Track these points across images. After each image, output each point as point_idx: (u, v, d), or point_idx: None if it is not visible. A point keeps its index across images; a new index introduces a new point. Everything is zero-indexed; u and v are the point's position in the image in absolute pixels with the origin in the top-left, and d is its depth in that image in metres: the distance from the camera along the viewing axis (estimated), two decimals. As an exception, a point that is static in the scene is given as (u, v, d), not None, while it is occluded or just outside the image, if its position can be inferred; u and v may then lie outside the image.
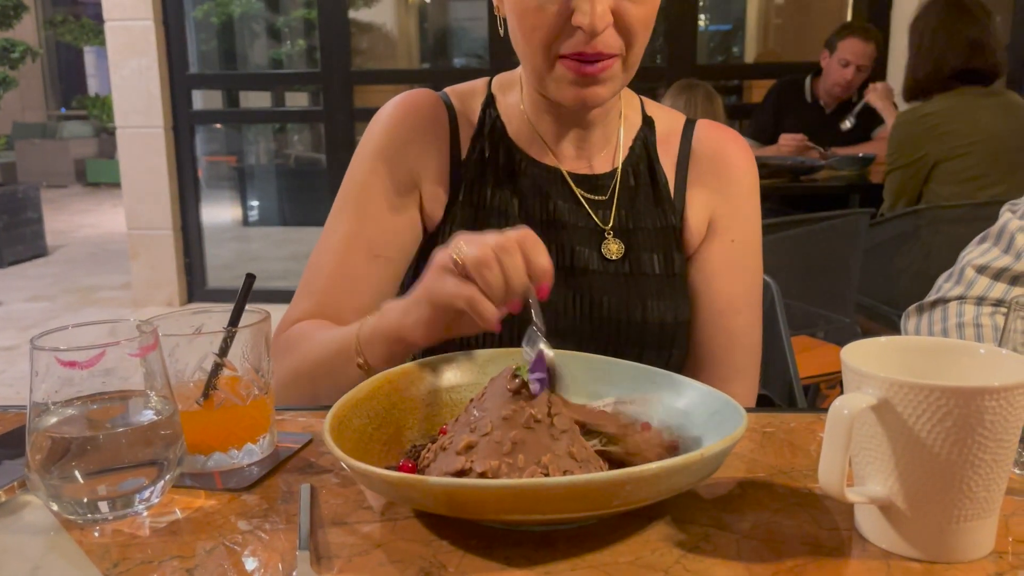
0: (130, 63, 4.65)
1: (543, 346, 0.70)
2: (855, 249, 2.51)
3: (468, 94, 1.08)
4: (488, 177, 1.03)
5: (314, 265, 1.04)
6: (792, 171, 3.24)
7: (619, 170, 1.04)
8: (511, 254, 0.74)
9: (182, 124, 4.80)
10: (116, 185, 6.69)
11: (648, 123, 1.07)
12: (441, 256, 0.78)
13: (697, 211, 1.05)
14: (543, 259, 0.75)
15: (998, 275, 1.04)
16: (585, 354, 0.85)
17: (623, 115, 1.06)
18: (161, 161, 4.75)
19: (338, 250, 1.02)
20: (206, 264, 5.09)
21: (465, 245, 0.76)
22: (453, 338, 0.84)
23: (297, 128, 7.65)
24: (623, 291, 1.00)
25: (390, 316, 0.85)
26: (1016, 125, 2.62)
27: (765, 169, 3.23)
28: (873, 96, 3.33)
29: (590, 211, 1.03)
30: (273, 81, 6.52)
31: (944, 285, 1.09)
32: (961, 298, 1.06)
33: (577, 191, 1.03)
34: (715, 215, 1.05)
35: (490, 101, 1.06)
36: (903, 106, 2.86)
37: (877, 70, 4.19)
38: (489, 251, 0.74)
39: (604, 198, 1.03)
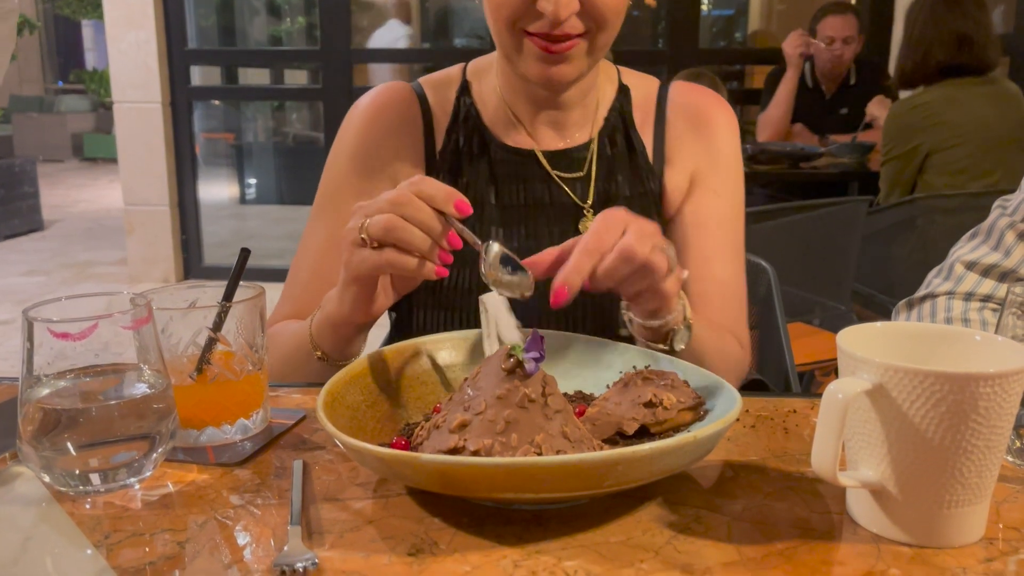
0: (128, 37, 4.62)
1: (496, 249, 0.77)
2: (853, 237, 2.51)
3: (443, 83, 1.08)
4: (463, 167, 1.03)
5: (294, 269, 1.06)
6: (791, 157, 3.24)
7: (595, 141, 1.04)
8: (411, 204, 0.76)
9: (180, 100, 4.77)
10: (113, 160, 6.67)
11: (624, 92, 1.07)
12: (347, 232, 0.79)
13: (677, 171, 1.05)
14: (440, 190, 0.76)
15: (987, 271, 1.05)
16: (585, 336, 0.85)
17: (600, 88, 1.06)
18: (159, 137, 4.72)
19: (315, 254, 1.04)
20: (202, 241, 5.07)
21: (366, 217, 0.77)
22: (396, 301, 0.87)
23: (295, 106, 7.61)
24: None
25: (329, 306, 0.87)
26: (1009, 114, 2.62)
27: (764, 155, 3.23)
28: (875, 109, 3.36)
29: (567, 190, 1.03)
30: (272, 58, 6.47)
31: (934, 280, 1.10)
32: (950, 293, 1.07)
33: (553, 173, 1.03)
34: (696, 170, 1.05)
35: (465, 88, 1.06)
36: (899, 93, 2.86)
37: (881, 56, 4.18)
38: (391, 214, 0.75)
39: (581, 174, 1.03)
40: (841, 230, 2.51)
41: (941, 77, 2.59)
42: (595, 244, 0.73)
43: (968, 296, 1.05)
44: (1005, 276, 1.04)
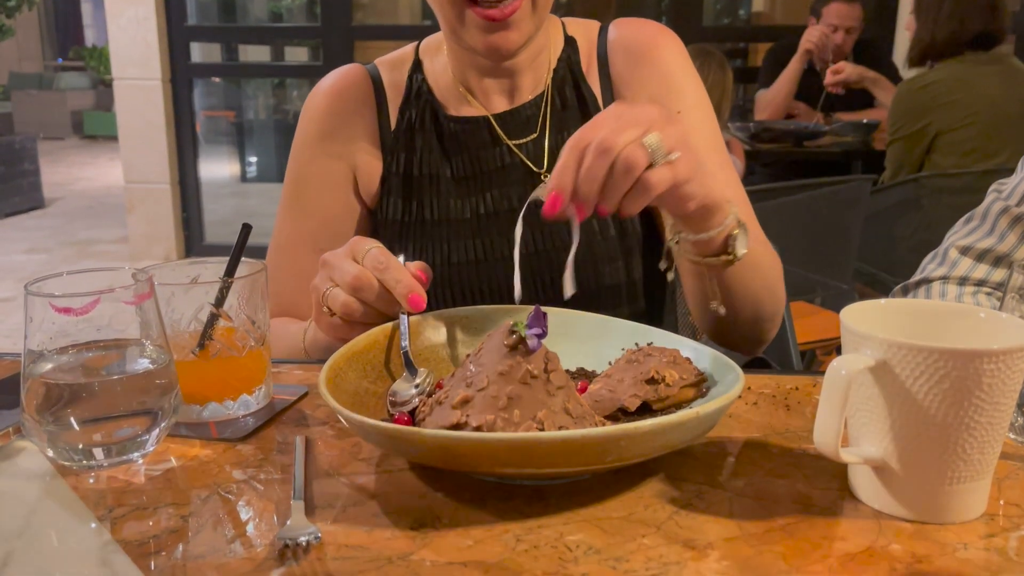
0: (127, 13, 4.59)
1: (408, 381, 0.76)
2: (856, 216, 2.50)
3: (397, 62, 1.08)
4: (417, 144, 1.03)
5: (272, 268, 1.06)
6: (795, 136, 3.22)
7: (547, 95, 1.03)
8: (368, 290, 0.78)
9: (180, 77, 4.74)
10: (113, 138, 6.63)
11: (571, 44, 1.06)
12: (314, 290, 0.81)
13: None
14: (399, 284, 0.77)
15: (981, 256, 1.05)
16: (582, 312, 0.85)
17: (550, 45, 1.04)
18: (159, 114, 4.70)
19: (286, 249, 1.06)
20: (203, 219, 5.07)
21: (330, 282, 0.79)
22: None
23: (296, 83, 7.56)
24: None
25: (313, 334, 0.90)
26: (1017, 92, 2.60)
27: (768, 134, 3.21)
28: (851, 73, 3.31)
29: (521, 156, 1.02)
30: (273, 35, 6.43)
31: (929, 266, 1.11)
32: (944, 278, 1.07)
33: (505, 138, 1.02)
34: (651, 100, 1.02)
35: (417, 66, 1.06)
36: (906, 72, 2.83)
37: (886, 34, 4.15)
38: (349, 297, 0.78)
39: (535, 135, 1.03)
40: (844, 209, 2.50)
41: (966, 48, 2.57)
42: (578, 139, 0.70)
43: (962, 281, 1.06)
44: (999, 261, 1.04)
